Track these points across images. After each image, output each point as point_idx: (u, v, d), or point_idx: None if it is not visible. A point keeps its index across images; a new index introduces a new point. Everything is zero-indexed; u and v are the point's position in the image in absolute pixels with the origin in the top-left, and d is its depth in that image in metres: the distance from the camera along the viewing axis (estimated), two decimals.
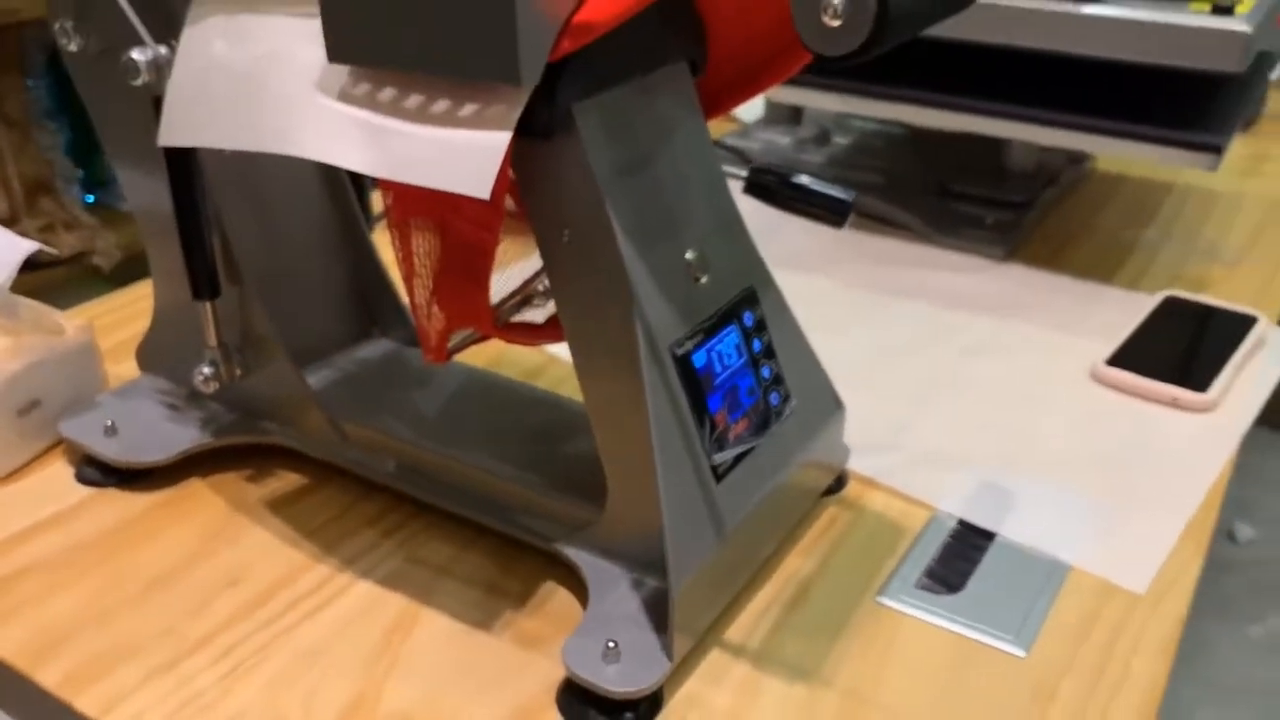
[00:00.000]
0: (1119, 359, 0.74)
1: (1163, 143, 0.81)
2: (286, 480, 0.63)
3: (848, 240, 0.96)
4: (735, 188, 0.55)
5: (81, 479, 0.63)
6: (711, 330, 0.50)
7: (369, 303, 0.70)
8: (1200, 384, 0.71)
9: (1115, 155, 0.83)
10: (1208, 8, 0.78)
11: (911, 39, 0.45)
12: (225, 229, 0.59)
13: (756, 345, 0.53)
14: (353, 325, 0.69)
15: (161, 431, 0.64)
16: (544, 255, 0.48)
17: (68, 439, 0.63)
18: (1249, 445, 0.69)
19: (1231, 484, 0.66)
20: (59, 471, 0.64)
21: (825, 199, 0.55)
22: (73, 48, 0.59)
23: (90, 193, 1.88)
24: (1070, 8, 0.81)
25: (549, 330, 0.53)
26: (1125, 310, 0.83)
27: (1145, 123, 0.82)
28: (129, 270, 1.76)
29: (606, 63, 0.46)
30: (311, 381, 0.64)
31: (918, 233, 0.97)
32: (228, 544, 0.58)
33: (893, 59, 0.89)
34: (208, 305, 0.61)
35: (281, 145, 0.44)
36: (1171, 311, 0.81)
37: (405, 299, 0.58)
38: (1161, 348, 0.77)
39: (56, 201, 1.67)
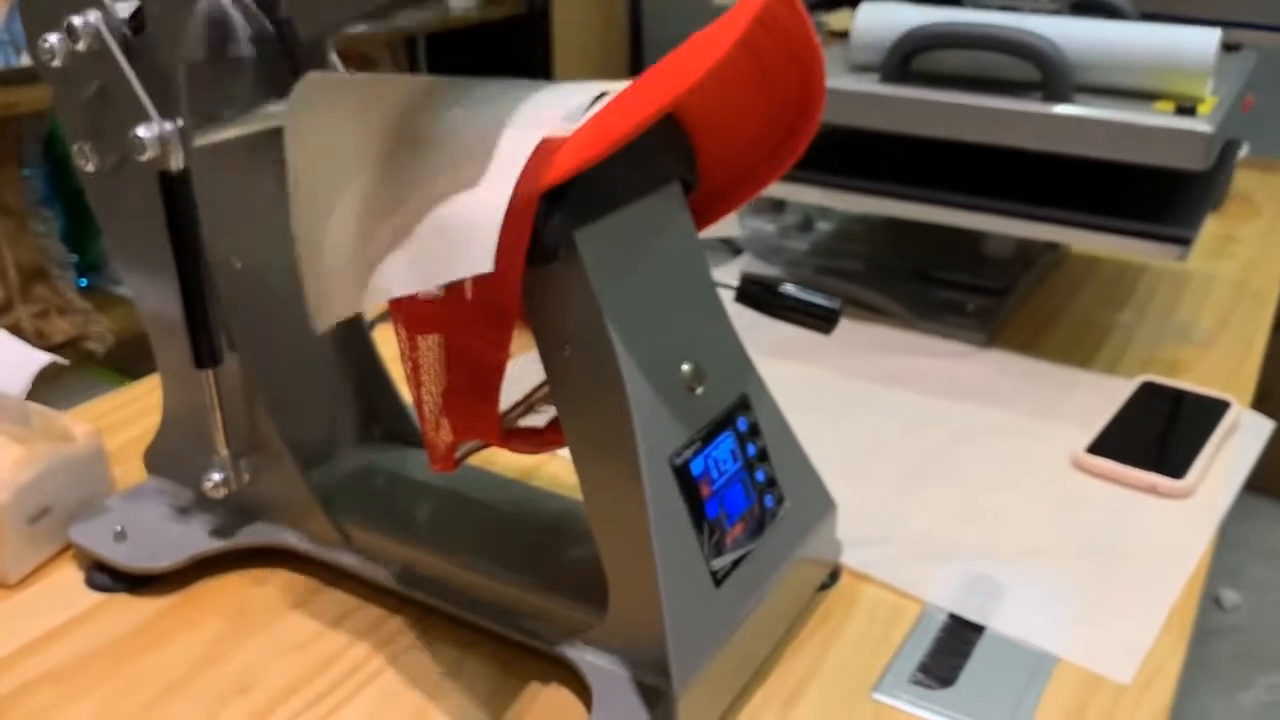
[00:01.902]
0: (1099, 446, 0.77)
1: (1133, 235, 0.84)
2: (293, 582, 0.64)
3: (837, 329, 0.98)
4: (726, 296, 0.58)
5: (92, 584, 0.64)
6: (708, 438, 0.52)
7: (371, 401, 0.72)
8: (1177, 470, 0.74)
9: (1088, 246, 0.87)
10: (1172, 108, 0.82)
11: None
12: (233, 339, 0.61)
13: (750, 450, 0.55)
14: (355, 424, 0.71)
15: (170, 536, 0.65)
16: (546, 369, 0.51)
17: (78, 545, 0.65)
18: (1232, 511, 0.72)
19: (1216, 552, 0.68)
20: (69, 576, 0.65)
21: (813, 307, 0.58)
22: (90, 168, 0.61)
23: (84, 276, 1.90)
24: (1041, 108, 0.84)
25: (552, 435, 0.55)
26: (1104, 395, 0.85)
27: (1116, 215, 0.85)
28: (122, 354, 1.77)
29: (604, 190, 0.49)
30: (316, 483, 0.65)
31: (901, 319, 0.99)
32: (236, 650, 0.59)
33: (871, 154, 0.93)
34: (217, 413, 0.63)
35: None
36: (1148, 397, 0.84)
37: (407, 397, 0.60)
38: (1139, 434, 0.79)
39: (51, 288, 1.69)
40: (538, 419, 0.58)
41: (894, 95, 0.90)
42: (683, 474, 0.50)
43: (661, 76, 0.46)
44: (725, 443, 0.53)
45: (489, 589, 0.59)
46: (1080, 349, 0.94)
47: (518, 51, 2.62)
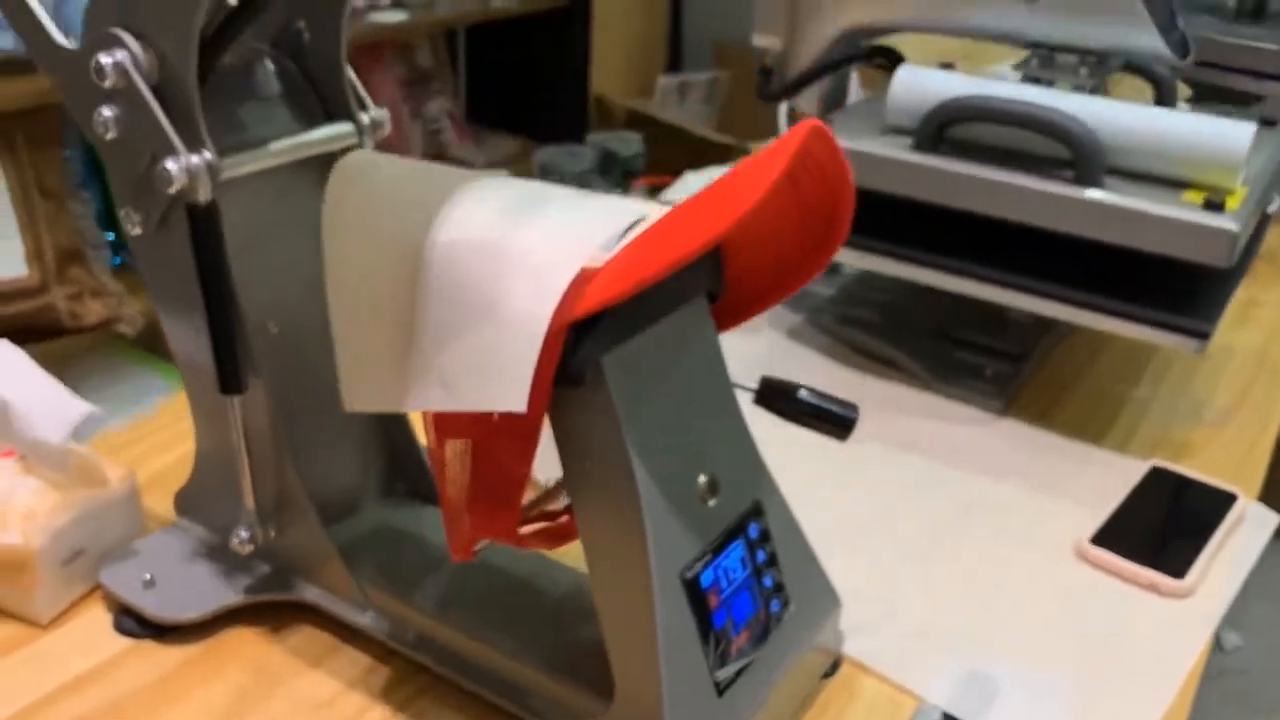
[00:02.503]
0: (1103, 536, 0.78)
1: (1151, 324, 0.85)
2: (312, 638, 0.67)
3: (855, 385, 1.00)
4: (744, 398, 0.59)
5: (120, 629, 0.66)
6: (719, 548, 0.54)
7: (396, 457, 0.74)
8: (1178, 569, 0.75)
9: (1106, 330, 0.88)
10: (1200, 200, 0.83)
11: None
12: (266, 395, 0.63)
13: (760, 556, 0.57)
14: (380, 479, 0.73)
15: (197, 586, 0.68)
16: (565, 477, 0.52)
17: (108, 590, 0.67)
18: None
19: None
20: (98, 617, 0.67)
21: (830, 415, 0.59)
22: (137, 230, 0.63)
23: (118, 255, 1.93)
24: (1069, 191, 0.85)
25: (567, 530, 0.57)
26: (1113, 476, 0.87)
27: (1136, 301, 0.86)
28: (152, 336, 1.80)
29: (633, 314, 0.50)
30: (339, 540, 0.68)
31: (920, 378, 1.01)
32: (255, 708, 0.62)
33: (898, 215, 0.94)
34: (246, 467, 0.65)
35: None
36: (1156, 484, 0.85)
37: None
38: (1144, 525, 0.81)
39: (86, 270, 1.72)
40: (555, 504, 0.60)
41: (925, 165, 0.91)
42: (692, 587, 0.52)
43: (702, 210, 0.48)
44: (736, 551, 0.55)
45: (500, 664, 0.61)
46: (1093, 423, 0.96)
47: (557, 44, 2.62)
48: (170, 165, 0.57)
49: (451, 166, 0.60)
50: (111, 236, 1.92)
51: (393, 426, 0.73)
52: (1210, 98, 1.20)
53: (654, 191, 2.44)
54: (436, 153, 2.58)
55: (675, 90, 2.82)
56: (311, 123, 0.66)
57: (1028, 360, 1.02)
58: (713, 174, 1.51)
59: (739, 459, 0.57)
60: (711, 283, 0.56)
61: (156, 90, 0.58)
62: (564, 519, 0.58)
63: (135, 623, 0.66)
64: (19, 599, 0.66)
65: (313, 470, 0.66)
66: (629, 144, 2.48)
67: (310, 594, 0.67)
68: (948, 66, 1.09)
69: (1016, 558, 0.78)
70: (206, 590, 0.67)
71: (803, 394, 0.59)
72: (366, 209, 0.56)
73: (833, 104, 1.09)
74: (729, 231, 0.46)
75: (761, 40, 1.10)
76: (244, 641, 0.66)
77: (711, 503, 0.54)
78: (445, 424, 0.52)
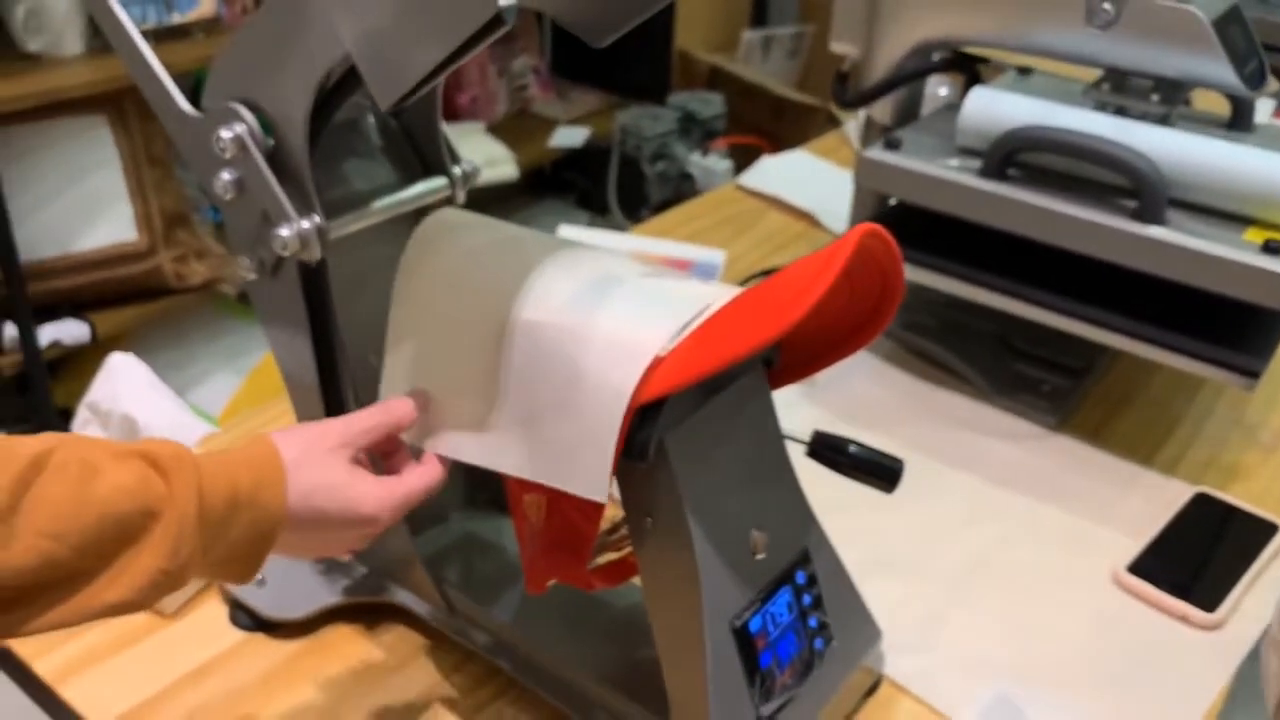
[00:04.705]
0: (1140, 565, 0.82)
1: (1203, 359, 0.88)
2: (404, 637, 0.75)
3: (913, 392, 1.04)
4: (797, 450, 0.65)
5: (235, 622, 0.75)
6: (768, 596, 0.60)
7: (480, 470, 0.81)
8: (1211, 601, 0.79)
9: (1157, 360, 0.90)
10: (1261, 240, 0.85)
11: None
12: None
13: (806, 599, 0.63)
14: (463, 490, 0.80)
15: (303, 586, 0.76)
16: (629, 527, 0.59)
17: (223, 586, 0.76)
18: None
19: None
20: (215, 609, 0.76)
21: (877, 469, 0.64)
22: (251, 276, 0.70)
23: (219, 215, 2.03)
24: (1131, 227, 0.88)
25: (631, 568, 0.64)
26: (1159, 500, 0.90)
27: (1189, 334, 0.89)
28: None
29: (694, 394, 0.56)
30: (426, 548, 0.75)
31: (977, 388, 1.05)
32: (355, 704, 0.70)
33: (960, 234, 0.97)
34: None
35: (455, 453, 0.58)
36: (1200, 511, 0.89)
37: None
38: (1182, 554, 0.84)
39: (191, 232, 1.82)
40: (618, 540, 0.66)
41: (991, 192, 0.94)
42: (741, 634, 0.58)
43: (762, 307, 0.53)
44: (783, 597, 0.61)
45: (567, 674, 0.68)
46: (1145, 442, 0.99)
47: None
48: (283, 231, 0.63)
49: (527, 231, 0.65)
50: None
51: None
52: None
53: (734, 151, 2.47)
54: (521, 108, 2.63)
55: (759, 45, 2.81)
56: (409, 175, 0.72)
57: (1087, 375, 1.05)
58: (789, 159, 1.54)
59: (789, 512, 0.63)
60: (768, 354, 0.61)
61: (271, 157, 0.64)
62: (628, 552, 0.64)
63: (249, 617, 0.75)
64: None
65: None
66: (710, 105, 2.51)
67: (401, 597, 0.75)
68: (1025, 72, 1.10)
69: (1055, 584, 0.82)
70: (311, 590, 0.76)
71: (852, 449, 0.64)
72: (448, 270, 0.62)
73: (907, 115, 1.12)
74: (783, 334, 0.51)
75: (839, 47, 1.12)
76: (344, 638, 0.75)
77: (761, 556, 0.60)
78: (523, 482, 0.59)
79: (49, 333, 1.73)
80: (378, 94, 0.54)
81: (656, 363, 0.53)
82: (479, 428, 0.58)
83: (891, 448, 0.97)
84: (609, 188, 2.44)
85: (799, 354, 0.62)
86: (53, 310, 1.75)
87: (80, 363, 1.76)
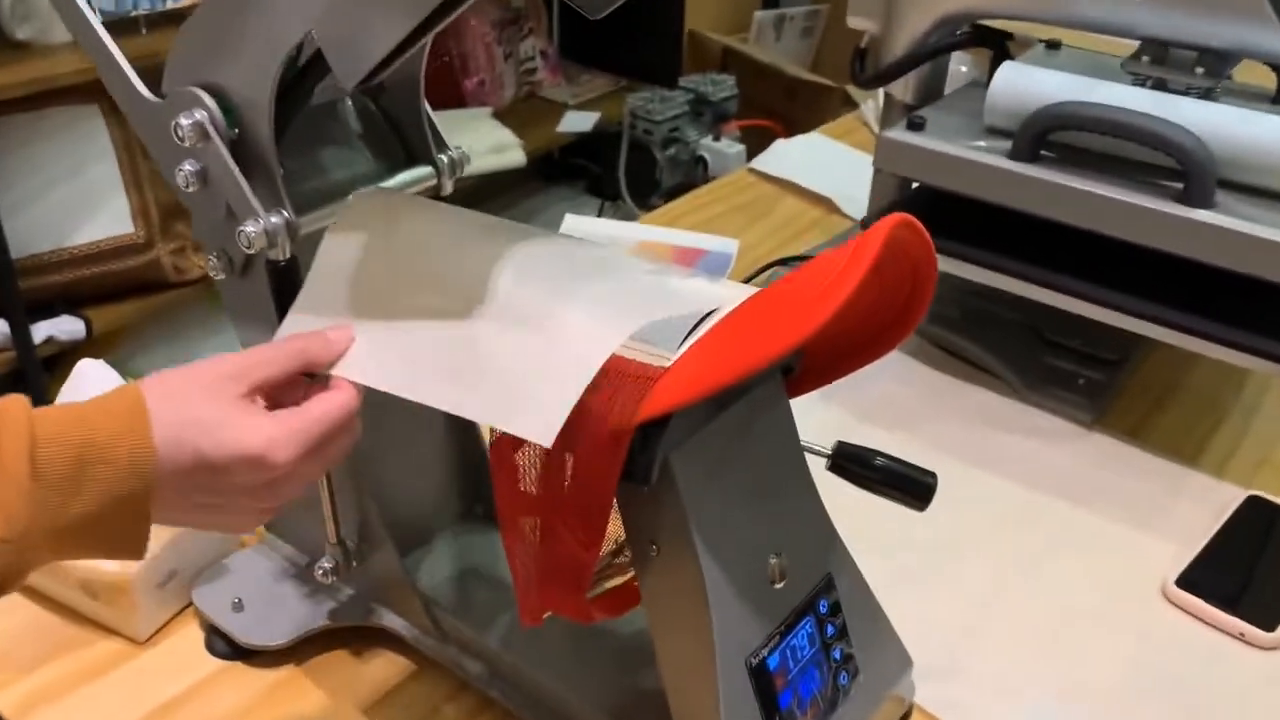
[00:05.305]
0: (1190, 578, 0.76)
1: (1251, 351, 0.81)
2: (393, 663, 0.69)
3: (939, 389, 0.98)
4: (818, 463, 0.59)
5: (211, 650, 0.70)
6: (788, 629, 0.54)
7: (475, 480, 0.75)
8: (1269, 620, 0.73)
9: (1201, 352, 0.84)
10: None
11: None
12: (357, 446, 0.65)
13: (830, 630, 0.57)
14: (459, 504, 0.75)
15: (283, 609, 0.70)
16: (633, 557, 0.53)
17: (199, 611, 0.70)
18: None
19: None
20: (192, 634, 0.71)
21: (908, 483, 0.58)
22: (220, 275, 0.64)
23: None
24: (1179, 211, 0.81)
25: (634, 597, 0.58)
26: (1207, 504, 0.84)
27: (1236, 324, 0.82)
28: None
29: (703, 406, 0.50)
30: (417, 569, 0.70)
31: (1008, 384, 0.98)
32: None
33: (989, 220, 0.90)
34: (329, 502, 0.67)
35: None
36: (1252, 517, 0.82)
37: None
38: (1234, 566, 0.78)
39: (189, 225, 1.76)
40: (620, 564, 0.60)
41: (1022, 174, 0.87)
42: (759, 673, 0.52)
43: (782, 306, 0.47)
44: (805, 629, 0.55)
45: (567, 705, 0.62)
46: (1190, 439, 0.92)
47: None
48: (249, 227, 0.57)
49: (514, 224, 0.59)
50: None
51: (473, 452, 0.74)
52: None
53: (747, 134, 2.40)
54: (529, 92, 2.57)
55: (772, 25, 2.74)
56: (391, 164, 0.66)
57: (1123, 366, 0.99)
58: (804, 142, 1.47)
59: (811, 534, 0.57)
60: (786, 360, 0.55)
61: (235, 146, 0.58)
62: (630, 578, 0.59)
63: (226, 644, 0.69)
64: (120, 619, 0.70)
65: (393, 499, 0.68)
66: (721, 86, 2.44)
67: (389, 621, 0.69)
68: (1053, 46, 1.04)
69: (1097, 599, 0.76)
70: (292, 613, 0.70)
71: (879, 462, 0.58)
72: (414, 231, 0.56)
73: (930, 93, 1.05)
74: (806, 341, 0.45)
75: (856, 22, 1.05)
76: (329, 666, 0.69)
77: (780, 585, 0.54)
78: (516, 503, 0.53)
79: (44, 329, 1.69)
80: (339, 72, 0.48)
81: (657, 375, 0.47)
82: (412, 360, 0.52)
83: (915, 449, 0.91)
84: (619, 173, 2.38)
85: (820, 358, 0.56)
86: (48, 306, 1.70)
87: (76, 360, 1.71)
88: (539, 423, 0.46)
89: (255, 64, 0.56)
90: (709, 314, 0.49)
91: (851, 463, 0.59)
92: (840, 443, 0.59)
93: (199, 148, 0.58)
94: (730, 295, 0.51)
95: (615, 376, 0.48)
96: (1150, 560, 0.79)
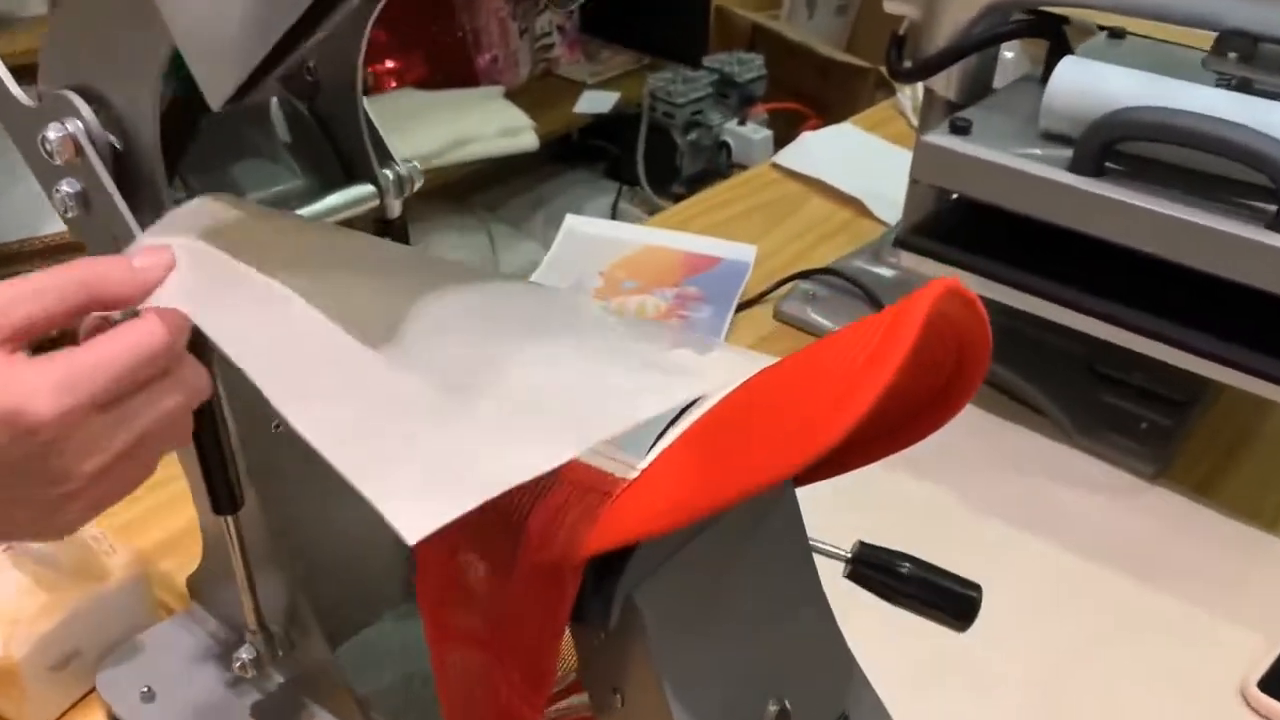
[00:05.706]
0: (1276, 679, 0.64)
1: None
2: None
3: (975, 432, 0.86)
4: (834, 569, 0.47)
5: None
6: None
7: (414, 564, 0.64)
8: None
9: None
10: None
11: None
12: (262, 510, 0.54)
13: None
14: (401, 586, 0.64)
15: (201, 700, 0.60)
16: (593, 705, 0.42)
17: (104, 700, 0.60)
18: None
19: None
20: None
21: (946, 597, 0.47)
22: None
23: None
24: (1267, 238, 0.69)
25: None
26: None
27: None
28: None
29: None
30: (353, 660, 0.59)
31: (1058, 427, 0.86)
32: None
33: (1039, 238, 0.78)
34: (244, 580, 0.56)
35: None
36: None
37: None
38: None
39: None
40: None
41: (1086, 190, 0.75)
42: None
43: (787, 399, 0.35)
44: None
45: None
46: (1269, 497, 0.80)
47: None
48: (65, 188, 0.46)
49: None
50: None
51: None
52: None
53: (774, 119, 2.26)
54: (545, 70, 2.44)
55: (805, 2, 2.59)
56: (325, 181, 0.54)
57: (1191, 408, 0.86)
58: (834, 133, 1.35)
59: (821, 666, 0.45)
60: None
61: (121, 159, 0.47)
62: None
63: None
64: (11, 708, 0.60)
65: (325, 581, 0.57)
66: (749, 66, 2.31)
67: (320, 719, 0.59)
68: (1117, 36, 0.91)
69: (1162, 699, 0.65)
70: (212, 706, 0.60)
71: (908, 569, 0.47)
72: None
73: (977, 89, 0.92)
74: (822, 454, 0.33)
75: (894, 6, 0.93)
76: None
77: None
78: (442, 627, 0.42)
79: None
80: (203, 88, 0.37)
81: (616, 491, 0.35)
82: (277, 339, 0.40)
83: (943, 501, 0.80)
84: (637, 159, 2.25)
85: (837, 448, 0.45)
86: None
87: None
88: (410, 512, 0.32)
89: (135, 61, 0.45)
90: (691, 404, 0.38)
91: (874, 570, 0.47)
92: (862, 543, 0.48)
93: (74, 164, 0.47)
94: (720, 375, 0.39)
95: (562, 483, 0.36)
96: (1225, 652, 0.67)
